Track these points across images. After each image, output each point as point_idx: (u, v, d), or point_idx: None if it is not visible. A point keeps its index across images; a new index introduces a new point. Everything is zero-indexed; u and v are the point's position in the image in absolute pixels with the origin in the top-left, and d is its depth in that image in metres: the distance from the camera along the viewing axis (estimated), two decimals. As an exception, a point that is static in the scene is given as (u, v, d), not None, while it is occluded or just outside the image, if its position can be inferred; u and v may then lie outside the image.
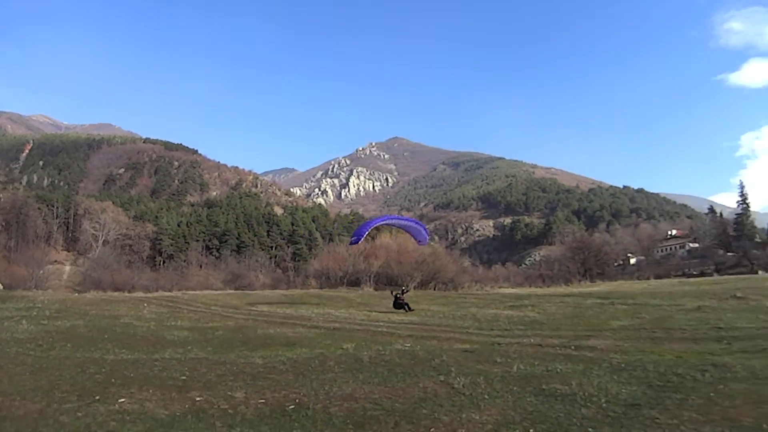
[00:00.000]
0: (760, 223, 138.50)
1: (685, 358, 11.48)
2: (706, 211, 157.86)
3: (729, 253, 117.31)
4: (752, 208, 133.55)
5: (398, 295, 27.68)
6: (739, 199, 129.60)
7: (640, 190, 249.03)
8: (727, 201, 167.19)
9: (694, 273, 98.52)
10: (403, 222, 27.91)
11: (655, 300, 27.53)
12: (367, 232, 26.74)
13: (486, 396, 8.62)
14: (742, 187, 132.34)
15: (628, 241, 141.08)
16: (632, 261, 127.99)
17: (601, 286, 55.12)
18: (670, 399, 8.03)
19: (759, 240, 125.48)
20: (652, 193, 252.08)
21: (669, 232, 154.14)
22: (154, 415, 7.55)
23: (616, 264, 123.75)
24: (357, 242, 27.47)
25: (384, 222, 29.14)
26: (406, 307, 26.62)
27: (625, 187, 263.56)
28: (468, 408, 7.88)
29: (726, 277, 68.79)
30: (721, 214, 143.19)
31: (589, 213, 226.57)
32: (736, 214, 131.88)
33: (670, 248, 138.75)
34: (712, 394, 8.15)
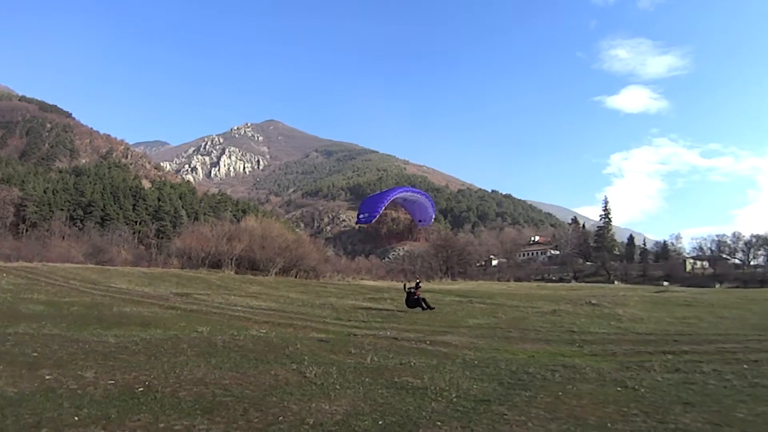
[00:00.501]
0: (619, 237, 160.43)
1: (537, 357, 13.17)
2: (570, 221, 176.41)
3: (588, 263, 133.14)
4: (614, 223, 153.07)
5: (411, 290, 25.35)
6: (602, 213, 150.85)
7: (508, 196, 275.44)
8: (590, 214, 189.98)
9: (553, 278, 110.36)
10: (416, 195, 24.98)
11: (513, 301, 31.27)
12: (383, 208, 23.42)
13: (337, 386, 9.29)
14: (606, 202, 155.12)
15: (491, 243, 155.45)
16: (494, 262, 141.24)
17: (461, 285, 60.07)
18: (519, 396, 9.12)
19: (617, 252, 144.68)
20: (519, 200, 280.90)
21: (532, 238, 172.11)
22: (2, 392, 7.90)
23: (478, 264, 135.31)
24: (369, 220, 23.39)
25: (399, 194, 23.84)
26: (423, 303, 24.77)
27: (493, 191, 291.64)
28: (318, 398, 8.47)
29: (583, 284, 78.64)
30: (583, 226, 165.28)
31: (456, 213, 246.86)
32: (598, 227, 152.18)
33: (532, 253, 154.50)
34: (560, 393, 9.41)
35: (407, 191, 25.41)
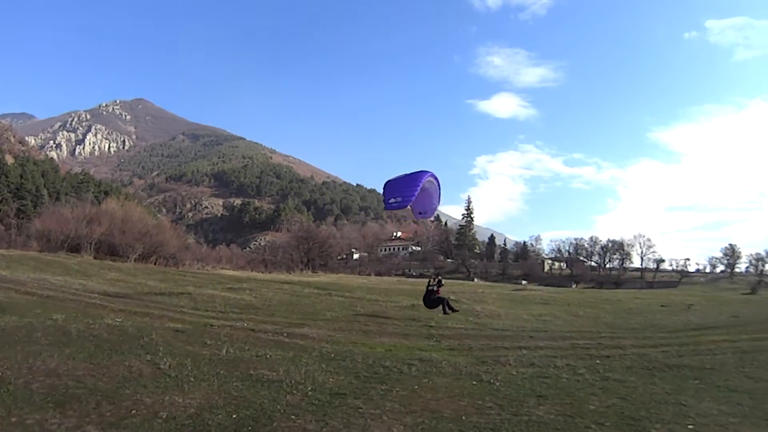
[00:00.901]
0: (481, 236, 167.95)
1: (394, 351, 13.34)
2: (433, 219, 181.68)
3: (449, 260, 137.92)
4: (476, 223, 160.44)
5: (434, 288, 22.62)
6: (465, 212, 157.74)
7: (372, 190, 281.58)
8: (454, 213, 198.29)
9: (414, 274, 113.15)
10: (434, 184, 21.45)
11: (372, 295, 31.81)
12: (417, 192, 19.92)
13: (192, 378, 9.11)
14: (469, 202, 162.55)
15: (353, 237, 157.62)
16: (356, 256, 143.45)
17: (322, 277, 60.62)
18: (375, 390, 9.18)
19: (478, 251, 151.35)
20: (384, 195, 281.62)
21: (394, 233, 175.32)
22: None
23: (339, 257, 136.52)
24: (403, 205, 20.64)
25: (426, 179, 19.80)
26: (446, 307, 22.07)
27: (358, 185, 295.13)
28: (172, 390, 8.27)
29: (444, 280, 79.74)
30: (446, 224, 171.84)
31: (319, 205, 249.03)
32: (460, 226, 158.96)
33: (394, 248, 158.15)
34: (416, 387, 9.57)
35: (431, 177, 21.53)
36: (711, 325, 24.07)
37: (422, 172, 20.72)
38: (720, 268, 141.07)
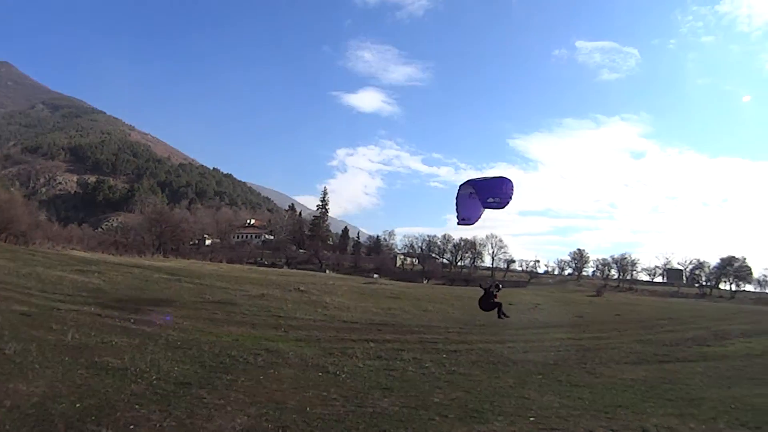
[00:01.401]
0: (335, 228, 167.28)
1: (241, 341, 13.16)
2: (287, 208, 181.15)
3: (301, 250, 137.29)
4: (330, 214, 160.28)
5: (492, 291, 20.72)
6: (320, 203, 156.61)
7: (228, 176, 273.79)
8: (309, 203, 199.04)
9: (266, 263, 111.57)
10: (493, 180, 19.64)
11: (222, 283, 31.00)
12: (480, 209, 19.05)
13: (36, 365, 8.57)
14: (324, 193, 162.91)
15: (207, 222, 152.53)
16: (208, 242, 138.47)
17: (173, 262, 58.53)
18: (220, 379, 9.02)
19: (331, 243, 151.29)
20: (240, 181, 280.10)
21: (248, 221, 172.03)
22: None
23: (191, 242, 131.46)
24: (471, 223, 19.68)
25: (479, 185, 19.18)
26: (500, 311, 20.41)
27: (214, 168, 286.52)
28: (16, 377, 7.77)
29: (295, 270, 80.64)
30: (300, 214, 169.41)
31: (174, 187, 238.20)
32: (315, 216, 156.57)
33: (247, 236, 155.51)
34: (261, 377, 9.50)
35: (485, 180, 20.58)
36: (556, 323, 26.02)
37: (485, 181, 20.15)
38: (568, 270, 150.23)
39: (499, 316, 20.88)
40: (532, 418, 8.01)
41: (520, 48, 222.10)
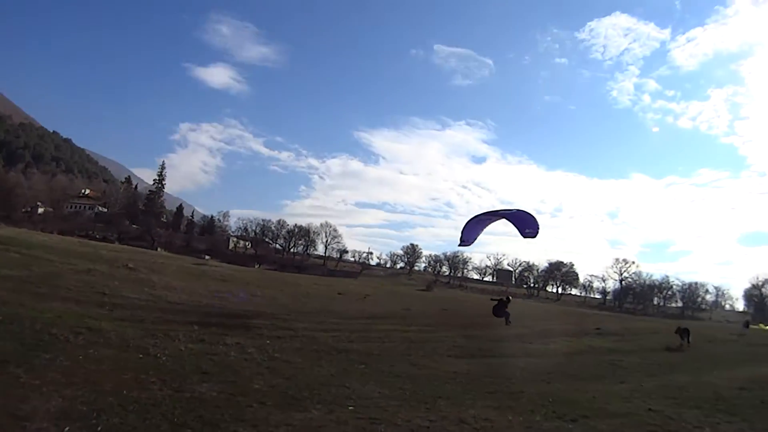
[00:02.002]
0: (170, 205, 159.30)
1: (64, 318, 12.37)
2: (124, 180, 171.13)
3: (135, 225, 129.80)
4: (167, 190, 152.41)
5: (506, 302, 26.97)
6: (157, 178, 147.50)
7: (67, 141, 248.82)
8: (146, 177, 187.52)
9: (98, 236, 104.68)
10: (511, 211, 23.56)
11: (51, 255, 28.66)
12: (480, 233, 23.41)
13: None
14: (162, 168, 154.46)
15: (41, 189, 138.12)
16: (40, 210, 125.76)
17: (2, 230, 51.97)
18: (39, 358, 8.51)
19: (165, 220, 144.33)
20: (79, 147, 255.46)
21: (83, 191, 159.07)
22: None
23: (24, 210, 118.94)
24: (468, 244, 23.58)
25: (497, 216, 23.21)
26: (507, 319, 26.00)
27: (54, 132, 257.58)
28: None
29: (126, 246, 76.75)
30: (136, 187, 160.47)
31: (12, 149, 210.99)
32: (150, 191, 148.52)
33: (81, 207, 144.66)
34: (81, 357, 9.06)
35: (502, 211, 24.64)
36: (384, 315, 26.66)
37: (486, 216, 23.86)
38: (400, 264, 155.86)
39: (507, 323, 26.07)
40: (351, 408, 8.21)
41: (378, 42, 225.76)
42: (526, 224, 23.44)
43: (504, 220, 23.27)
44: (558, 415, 8.96)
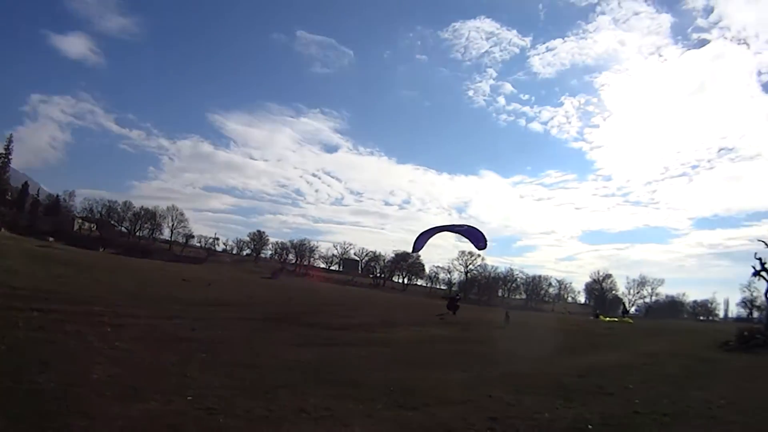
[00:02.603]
0: (15, 182, 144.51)
1: None
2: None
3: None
4: (12, 165, 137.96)
5: (456, 297, 43.17)
6: (3, 152, 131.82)
7: None
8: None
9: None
10: (462, 227, 28.65)
11: None
12: (427, 240, 27.55)
13: None
14: (9, 141, 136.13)
15: None
16: None
17: None
18: None
19: (10, 198, 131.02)
20: None
21: None
22: None
23: None
24: (417, 250, 31.43)
25: (447, 228, 29.16)
26: (455, 312, 35.83)
27: None
28: None
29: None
30: None
31: None
32: None
33: None
34: None
35: (453, 226, 30.58)
36: (228, 302, 26.05)
37: (435, 228, 28.59)
38: (247, 251, 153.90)
39: (453, 313, 35.00)
40: (189, 397, 8.01)
41: (240, 23, 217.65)
42: (477, 239, 27.48)
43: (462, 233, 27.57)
44: (399, 403, 9.09)
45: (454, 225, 31.19)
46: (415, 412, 8.63)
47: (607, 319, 63.36)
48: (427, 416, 8.43)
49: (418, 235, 27.91)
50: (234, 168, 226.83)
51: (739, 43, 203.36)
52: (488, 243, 28.53)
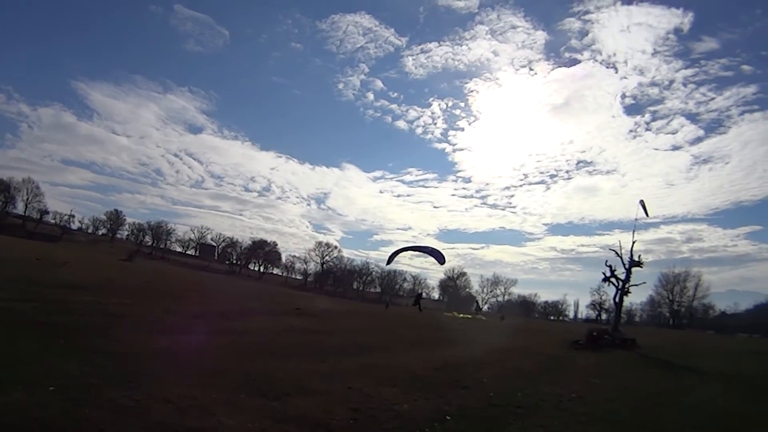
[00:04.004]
0: None
1: None
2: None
3: None
4: None
5: (420, 295, 65.09)
6: None
7: None
8: None
9: None
10: (426, 249, 35.33)
11: None
12: (397, 255, 37.32)
13: None
14: None
15: None
16: None
17: None
18: None
19: None
20: None
21: None
22: None
23: None
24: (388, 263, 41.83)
25: (413, 250, 39.68)
26: (419, 306, 51.41)
27: None
28: None
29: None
30: None
31: None
32: None
33: None
34: None
35: (420, 248, 37.47)
36: (84, 285, 24.03)
37: (408, 248, 38.39)
38: (103, 231, 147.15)
39: (420, 310, 47.07)
40: (52, 388, 7.60)
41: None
42: (439, 258, 33.30)
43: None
44: (261, 393, 9.14)
45: (420, 246, 44.49)
46: (278, 402, 8.72)
47: (461, 315, 65.89)
48: (290, 406, 8.53)
49: (391, 253, 36.53)
50: (95, 141, 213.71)
51: (608, 67, 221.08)
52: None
